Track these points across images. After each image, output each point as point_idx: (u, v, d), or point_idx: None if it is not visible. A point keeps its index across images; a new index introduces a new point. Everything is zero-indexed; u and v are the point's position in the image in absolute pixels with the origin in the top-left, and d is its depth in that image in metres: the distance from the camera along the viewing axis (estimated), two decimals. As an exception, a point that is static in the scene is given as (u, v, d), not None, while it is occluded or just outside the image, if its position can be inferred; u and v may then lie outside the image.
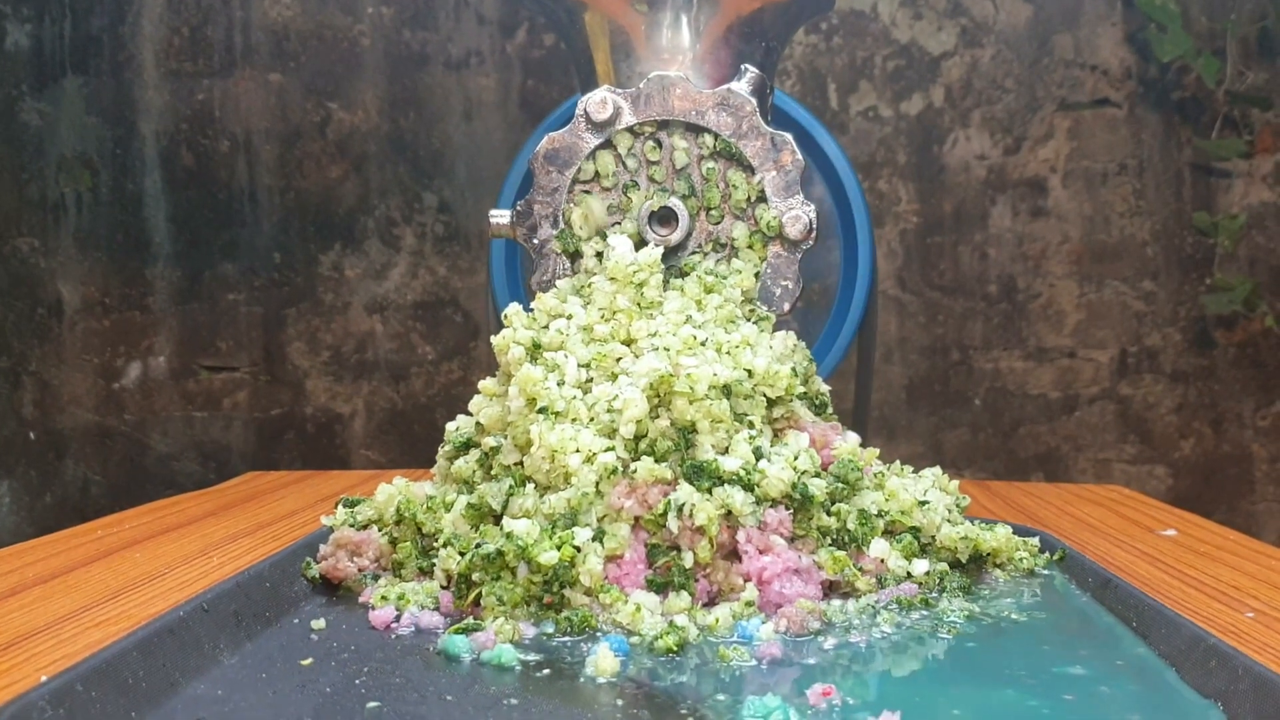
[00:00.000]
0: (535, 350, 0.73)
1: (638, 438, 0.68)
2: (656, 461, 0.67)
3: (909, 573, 0.70)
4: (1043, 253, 2.04)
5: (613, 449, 0.67)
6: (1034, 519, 0.99)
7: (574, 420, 0.69)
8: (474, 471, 0.72)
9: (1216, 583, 0.76)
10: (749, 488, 0.66)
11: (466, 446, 0.74)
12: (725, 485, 0.66)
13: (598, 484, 0.66)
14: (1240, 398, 2.04)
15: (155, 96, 2.11)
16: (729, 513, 0.66)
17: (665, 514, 0.65)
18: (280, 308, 2.11)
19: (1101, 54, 2.03)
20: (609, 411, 0.69)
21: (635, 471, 0.66)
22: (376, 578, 0.70)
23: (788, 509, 0.67)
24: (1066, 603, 0.69)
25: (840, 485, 0.71)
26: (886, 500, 0.73)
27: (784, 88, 2.03)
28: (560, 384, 0.70)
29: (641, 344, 0.73)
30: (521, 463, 0.69)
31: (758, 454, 0.68)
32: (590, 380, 0.71)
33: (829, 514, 0.70)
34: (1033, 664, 0.57)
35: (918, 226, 2.06)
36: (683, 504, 0.65)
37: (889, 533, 0.72)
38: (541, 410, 0.69)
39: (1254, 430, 2.04)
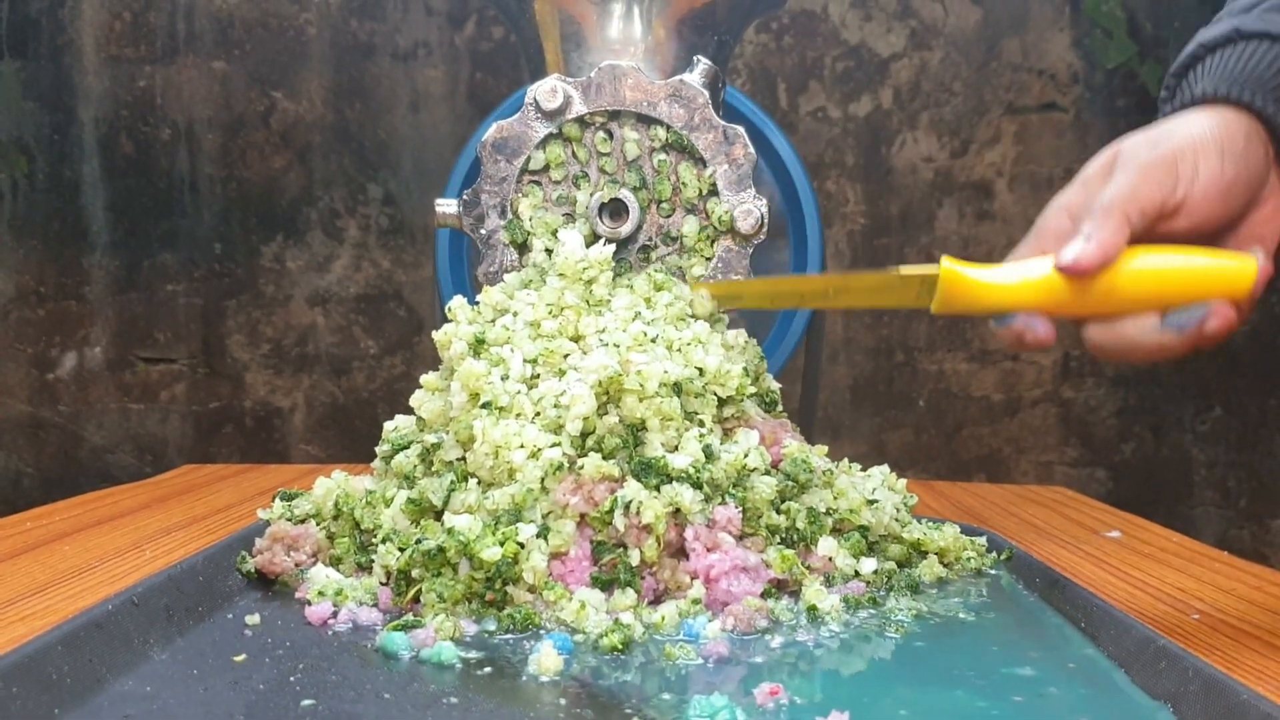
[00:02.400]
0: (479, 345, 0.71)
1: (585, 434, 0.67)
2: (605, 459, 0.65)
3: (857, 571, 0.69)
4: (988, 255, 2.05)
5: (559, 445, 0.66)
6: (979, 519, 0.99)
7: (518, 415, 0.67)
8: (415, 466, 0.70)
9: (1162, 584, 0.77)
10: (698, 485, 0.65)
11: (406, 447, 0.73)
12: (674, 483, 0.65)
13: (543, 480, 0.65)
14: (1180, 402, 2.06)
15: (95, 82, 2.06)
16: (677, 511, 0.65)
17: (612, 511, 0.64)
18: (220, 299, 2.08)
19: (1049, 58, 2.04)
20: (556, 407, 0.67)
21: (582, 468, 0.65)
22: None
23: (736, 506, 0.66)
24: (1015, 603, 0.69)
25: (790, 484, 0.70)
26: (835, 499, 0.72)
27: (734, 86, 2.02)
28: (504, 379, 0.69)
29: (590, 340, 0.71)
30: (464, 459, 0.68)
31: (708, 452, 0.67)
32: (537, 376, 0.70)
33: (779, 512, 0.69)
34: (981, 664, 0.56)
35: (865, 228, 2.07)
36: (630, 501, 0.64)
37: (837, 530, 0.71)
38: (485, 405, 0.67)
39: (1193, 435, 2.06)
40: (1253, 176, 0.64)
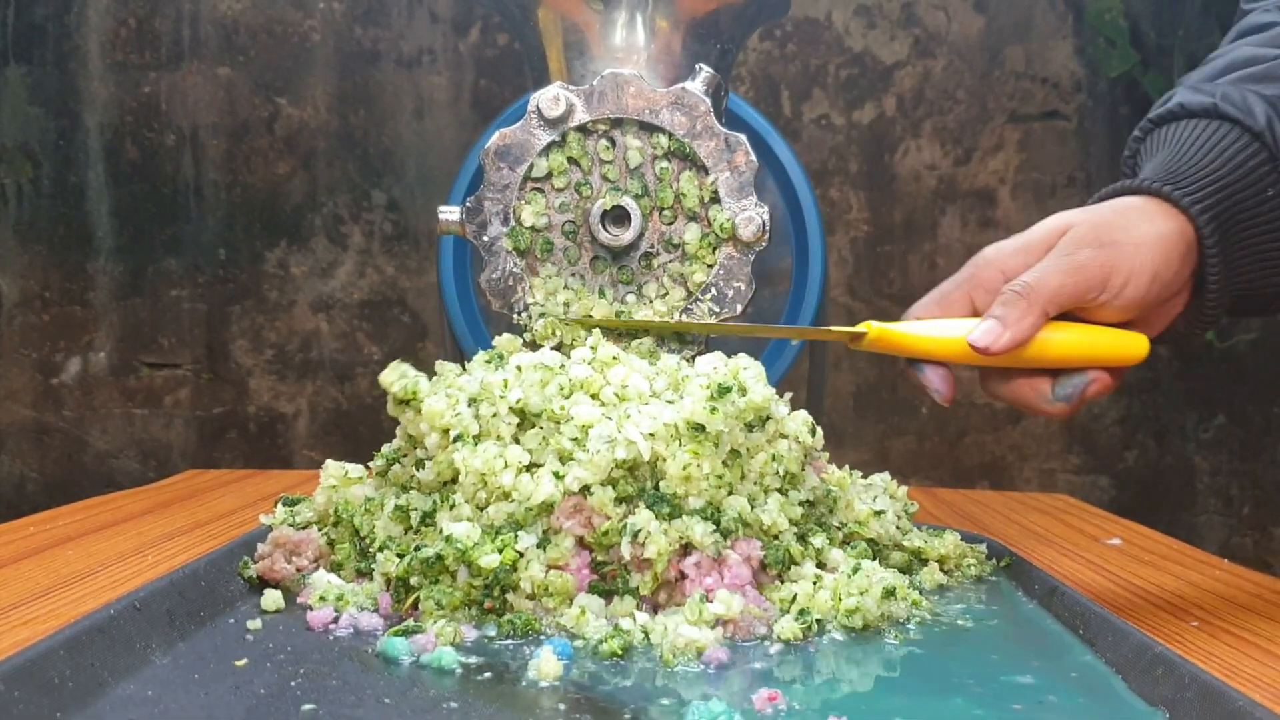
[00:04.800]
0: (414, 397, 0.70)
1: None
2: (618, 502, 0.64)
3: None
4: (991, 263, 2.05)
5: (561, 476, 0.64)
6: (980, 526, 0.99)
7: (498, 438, 0.66)
8: (411, 476, 0.70)
9: (1161, 592, 0.77)
10: (714, 520, 0.64)
11: (398, 460, 0.72)
12: (685, 517, 0.64)
13: (540, 504, 0.63)
14: (1183, 411, 2.06)
15: (100, 88, 2.07)
16: (688, 546, 0.63)
17: (608, 534, 0.62)
18: (224, 305, 2.09)
19: (1052, 67, 2.05)
20: (574, 440, 0.66)
21: (591, 494, 0.63)
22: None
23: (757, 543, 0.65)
24: (1014, 610, 0.69)
25: (811, 510, 0.70)
26: (844, 510, 0.73)
27: (738, 94, 2.03)
28: (472, 403, 0.68)
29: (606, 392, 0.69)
30: (454, 483, 0.67)
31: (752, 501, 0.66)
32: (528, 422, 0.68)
33: (802, 541, 0.68)
34: (981, 671, 0.56)
35: (868, 235, 2.07)
36: (639, 530, 0.62)
37: (845, 542, 0.72)
38: (458, 439, 0.66)
39: (1196, 443, 2.06)
40: (1172, 293, 0.70)
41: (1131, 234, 0.67)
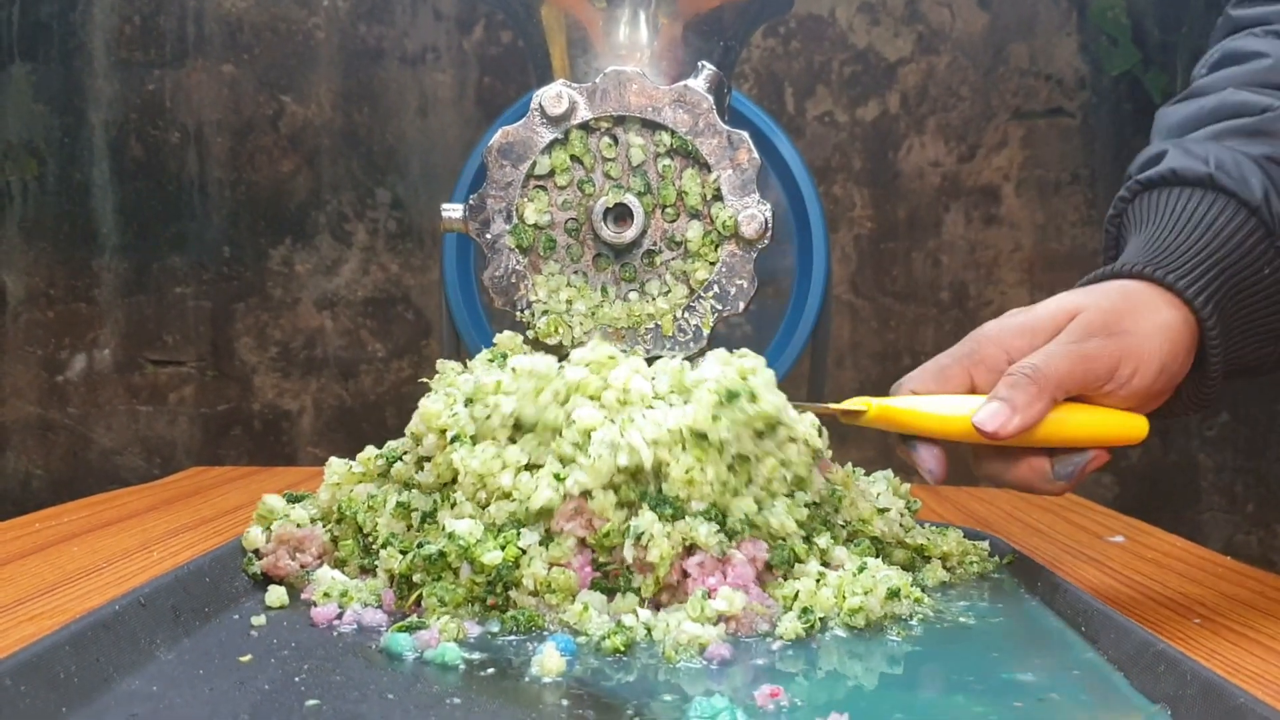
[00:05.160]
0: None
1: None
2: (619, 505, 0.64)
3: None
4: (995, 260, 2.05)
5: (561, 479, 0.64)
6: (983, 523, 0.99)
7: (493, 439, 0.66)
8: (413, 474, 0.71)
9: (1164, 589, 0.77)
10: (719, 520, 0.64)
11: (399, 458, 0.72)
12: (688, 519, 0.63)
13: (540, 509, 0.63)
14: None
15: (105, 85, 2.07)
16: (692, 547, 0.63)
17: (609, 535, 0.62)
18: (229, 302, 2.09)
19: (1057, 64, 2.05)
20: (575, 445, 0.65)
21: (592, 498, 0.64)
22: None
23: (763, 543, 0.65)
24: (1016, 607, 0.69)
25: (818, 510, 0.70)
26: (848, 508, 0.73)
27: (741, 91, 2.03)
28: (468, 403, 0.68)
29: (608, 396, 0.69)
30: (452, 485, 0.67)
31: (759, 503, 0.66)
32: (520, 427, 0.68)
33: (807, 541, 0.68)
34: (982, 669, 0.56)
35: (871, 232, 2.07)
36: (641, 532, 0.62)
37: (849, 540, 0.72)
38: (455, 439, 0.66)
39: (1200, 440, 2.06)
40: (1175, 383, 0.69)
41: (1140, 324, 0.66)
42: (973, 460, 0.71)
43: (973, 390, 0.68)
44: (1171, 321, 0.67)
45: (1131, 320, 0.67)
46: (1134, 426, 0.69)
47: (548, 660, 0.54)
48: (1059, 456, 0.68)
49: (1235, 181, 0.69)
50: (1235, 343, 0.70)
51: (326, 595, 0.64)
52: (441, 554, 0.62)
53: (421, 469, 0.70)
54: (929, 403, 0.68)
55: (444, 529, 0.63)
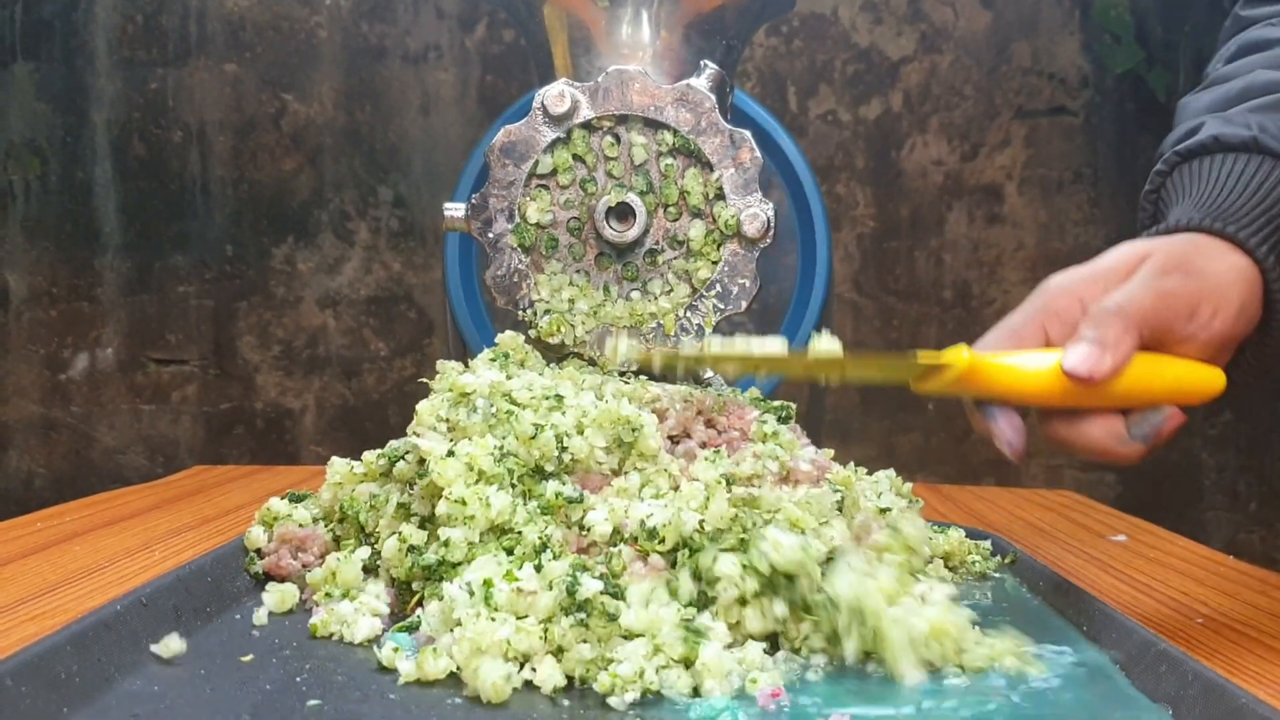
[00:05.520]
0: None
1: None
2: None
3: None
4: (998, 259, 2.05)
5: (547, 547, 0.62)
6: (986, 523, 0.99)
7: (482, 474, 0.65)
8: (415, 473, 0.70)
9: (1166, 588, 0.77)
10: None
11: (400, 458, 0.72)
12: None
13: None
14: (1190, 407, 2.06)
15: (107, 84, 2.07)
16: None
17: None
18: (231, 301, 2.09)
19: (1059, 62, 2.04)
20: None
21: (590, 527, 0.63)
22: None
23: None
24: (1018, 606, 0.69)
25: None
26: (849, 508, 0.72)
27: (744, 89, 2.03)
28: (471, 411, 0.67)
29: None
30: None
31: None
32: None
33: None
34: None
35: (874, 231, 2.07)
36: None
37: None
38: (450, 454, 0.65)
39: (1203, 439, 2.06)
40: (1250, 330, 0.64)
41: (1214, 264, 0.63)
42: (1041, 425, 0.64)
43: (1048, 346, 0.63)
44: (1241, 266, 0.63)
45: (1204, 261, 0.63)
46: (1211, 378, 0.64)
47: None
48: (1133, 417, 0.62)
49: None
50: None
51: (328, 595, 0.64)
52: (441, 562, 0.61)
53: (423, 469, 0.70)
54: (1013, 359, 0.62)
55: (440, 538, 0.62)
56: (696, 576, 0.59)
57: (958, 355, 0.60)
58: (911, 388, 0.63)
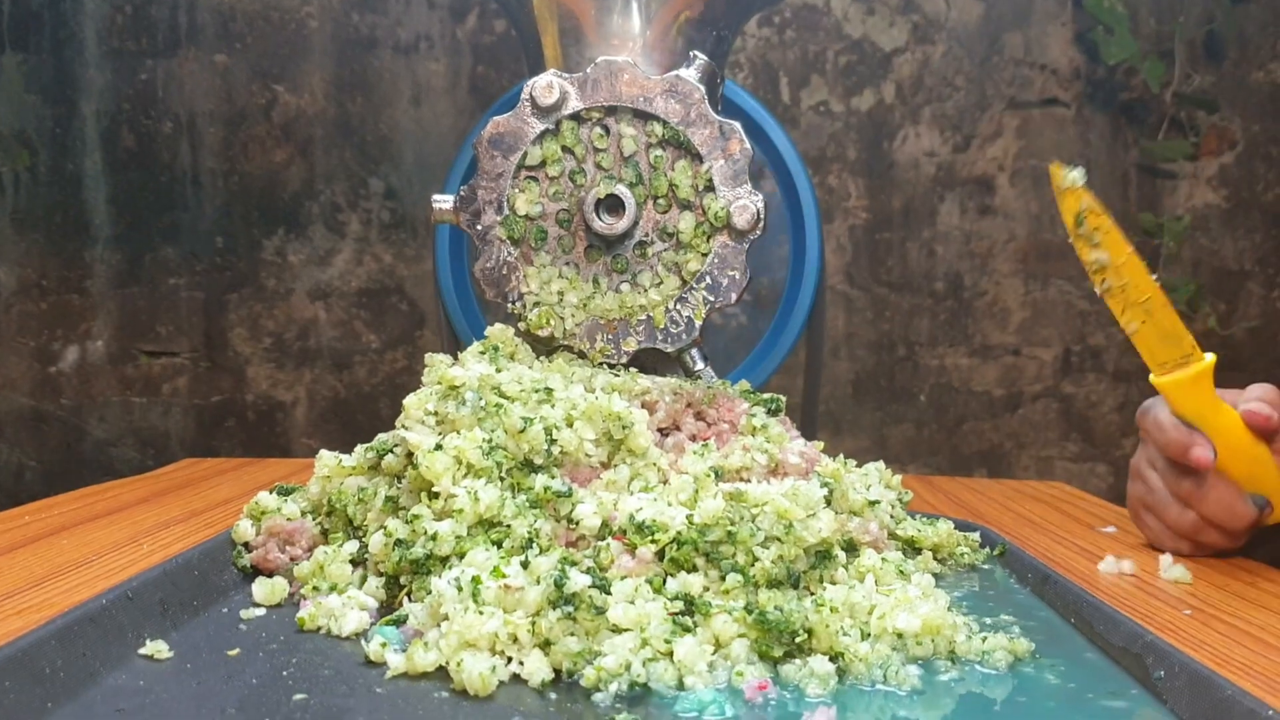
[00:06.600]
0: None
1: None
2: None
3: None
4: (989, 251, 2.05)
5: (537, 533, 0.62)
6: (976, 514, 0.99)
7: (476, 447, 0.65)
8: (404, 466, 0.70)
9: (1154, 579, 0.77)
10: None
11: (389, 451, 0.72)
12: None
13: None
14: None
15: (96, 75, 2.07)
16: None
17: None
18: (222, 293, 2.09)
19: (1051, 54, 2.04)
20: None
21: (578, 522, 0.63)
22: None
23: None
24: (1007, 598, 0.69)
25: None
26: (839, 501, 0.72)
27: (736, 80, 2.02)
28: (460, 405, 0.67)
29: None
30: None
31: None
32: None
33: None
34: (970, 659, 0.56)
35: (866, 222, 2.06)
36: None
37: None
38: (439, 448, 0.65)
39: (1194, 430, 2.06)
40: None
41: None
42: (1171, 482, 0.81)
43: None
44: None
45: None
46: None
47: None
48: (1247, 491, 0.77)
49: None
50: None
51: (315, 588, 0.64)
52: (428, 555, 0.61)
53: (411, 463, 0.69)
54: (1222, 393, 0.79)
55: (427, 533, 0.62)
56: (680, 567, 0.59)
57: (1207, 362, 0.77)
58: (1153, 376, 0.78)
